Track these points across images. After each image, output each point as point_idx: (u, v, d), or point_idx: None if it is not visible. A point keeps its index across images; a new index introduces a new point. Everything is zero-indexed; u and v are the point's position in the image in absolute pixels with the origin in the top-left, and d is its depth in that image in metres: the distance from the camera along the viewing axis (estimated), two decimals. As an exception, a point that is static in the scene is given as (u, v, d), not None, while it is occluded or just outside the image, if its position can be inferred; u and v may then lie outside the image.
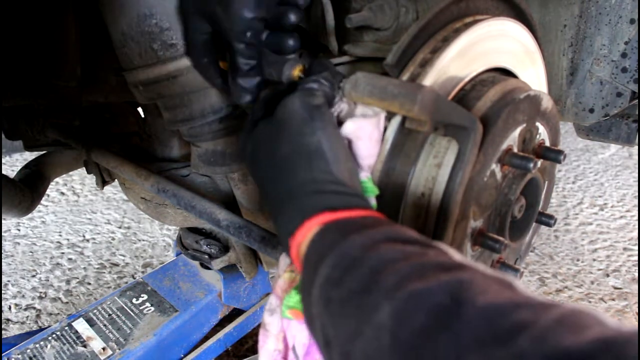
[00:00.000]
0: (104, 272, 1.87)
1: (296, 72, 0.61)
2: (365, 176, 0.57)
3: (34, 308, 1.70)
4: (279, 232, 0.53)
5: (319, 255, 0.45)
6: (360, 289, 0.39)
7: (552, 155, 0.70)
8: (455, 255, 0.41)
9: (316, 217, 0.48)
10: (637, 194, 2.38)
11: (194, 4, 0.62)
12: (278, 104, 0.54)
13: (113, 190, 2.42)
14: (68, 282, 1.82)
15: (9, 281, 1.82)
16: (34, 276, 1.85)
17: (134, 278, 1.82)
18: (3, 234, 2.10)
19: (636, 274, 1.82)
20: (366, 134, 0.56)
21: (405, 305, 0.35)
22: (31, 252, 2.00)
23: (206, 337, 1.28)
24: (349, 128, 0.55)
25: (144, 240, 2.07)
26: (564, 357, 0.26)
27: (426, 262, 0.38)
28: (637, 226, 2.12)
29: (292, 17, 0.60)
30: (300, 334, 0.57)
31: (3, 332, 1.58)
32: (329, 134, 0.51)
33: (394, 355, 0.34)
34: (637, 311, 1.64)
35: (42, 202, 1.44)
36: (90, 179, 2.47)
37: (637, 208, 2.26)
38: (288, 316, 0.57)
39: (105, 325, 1.20)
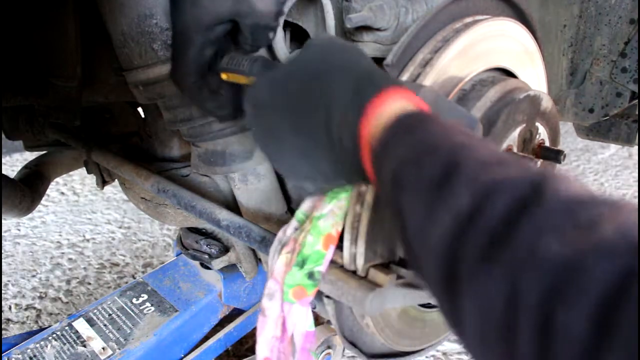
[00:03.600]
0: (104, 272, 1.87)
1: None
2: None
3: (34, 308, 1.70)
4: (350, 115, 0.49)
5: (396, 136, 0.44)
6: (439, 174, 0.38)
7: (552, 155, 0.70)
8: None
9: (392, 90, 0.47)
10: (637, 194, 2.38)
11: (203, 22, 0.61)
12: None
13: (113, 190, 2.42)
14: (68, 282, 1.82)
15: (9, 281, 1.82)
16: (34, 276, 1.85)
17: (134, 278, 1.82)
18: (3, 234, 2.11)
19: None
20: None
21: (485, 192, 0.34)
22: (31, 252, 2.00)
23: (206, 337, 1.28)
24: None
25: (144, 240, 2.07)
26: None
27: (506, 154, 0.37)
28: (637, 226, 2.12)
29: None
30: (301, 322, 0.57)
31: (3, 332, 1.59)
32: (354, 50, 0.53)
33: (473, 245, 0.33)
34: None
35: (42, 202, 1.44)
36: (91, 179, 2.47)
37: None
38: (290, 300, 0.57)
39: (105, 325, 1.20)
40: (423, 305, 0.77)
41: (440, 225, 0.36)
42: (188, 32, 0.64)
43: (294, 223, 0.64)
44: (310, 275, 0.59)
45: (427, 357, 1.42)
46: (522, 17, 0.74)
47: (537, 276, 0.27)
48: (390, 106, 0.46)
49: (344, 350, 1.28)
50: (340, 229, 0.61)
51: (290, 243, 0.61)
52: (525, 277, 0.28)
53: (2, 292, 1.76)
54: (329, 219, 0.60)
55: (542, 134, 0.72)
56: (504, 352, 0.29)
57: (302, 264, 0.59)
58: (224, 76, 0.66)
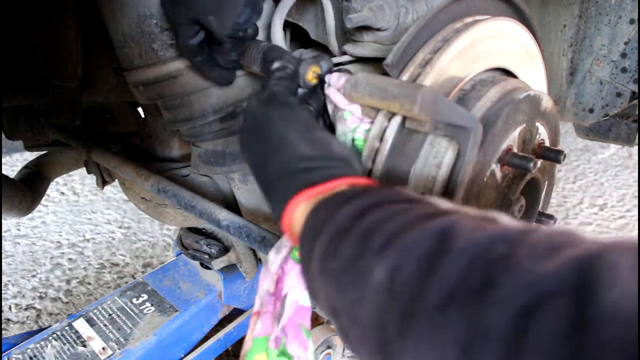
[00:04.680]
0: (104, 272, 1.87)
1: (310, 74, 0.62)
2: (361, 131, 0.60)
3: (34, 308, 1.70)
4: (273, 215, 0.56)
5: (314, 232, 0.46)
6: (354, 255, 0.40)
7: (552, 155, 0.70)
8: (443, 204, 0.43)
9: (298, 196, 0.50)
10: (637, 194, 2.38)
11: (185, 15, 0.66)
12: None
13: (113, 190, 2.42)
14: (68, 282, 1.82)
15: (9, 281, 1.82)
16: (34, 276, 1.85)
17: (134, 278, 1.82)
18: (3, 234, 2.11)
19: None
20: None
21: (395, 260, 0.36)
22: (31, 252, 2.00)
23: (206, 337, 1.28)
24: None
25: (144, 240, 2.07)
26: (543, 281, 0.27)
27: (413, 216, 0.39)
28: (637, 226, 2.12)
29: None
30: (295, 289, 0.56)
31: (3, 332, 1.59)
32: (287, 118, 0.55)
33: (393, 312, 0.35)
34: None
35: (42, 202, 1.44)
36: (91, 179, 2.47)
37: (637, 208, 2.26)
38: (297, 258, 0.56)
39: (105, 325, 1.20)
40: None
41: (366, 303, 0.38)
42: (173, 22, 0.69)
43: None
44: None
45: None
46: (522, 17, 0.74)
47: (451, 336, 0.30)
48: (298, 213, 0.50)
49: (344, 350, 1.28)
50: None
51: None
52: (443, 340, 0.30)
53: (2, 292, 1.76)
54: None
55: (542, 134, 0.71)
56: None
57: None
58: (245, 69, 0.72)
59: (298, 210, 0.50)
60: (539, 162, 0.72)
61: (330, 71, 0.63)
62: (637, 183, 2.48)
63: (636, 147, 1.29)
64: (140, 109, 1.32)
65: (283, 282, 0.56)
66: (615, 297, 0.24)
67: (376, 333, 0.37)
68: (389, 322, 0.35)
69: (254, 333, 0.57)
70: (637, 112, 1.21)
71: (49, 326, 1.22)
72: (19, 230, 2.15)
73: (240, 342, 1.40)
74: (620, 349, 0.22)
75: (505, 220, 0.37)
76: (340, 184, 0.50)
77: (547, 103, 0.70)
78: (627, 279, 0.24)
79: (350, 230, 0.42)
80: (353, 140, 0.61)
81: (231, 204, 0.99)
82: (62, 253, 1.99)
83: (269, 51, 0.65)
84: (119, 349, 1.13)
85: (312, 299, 0.52)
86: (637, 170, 2.60)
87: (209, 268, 1.28)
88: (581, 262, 0.27)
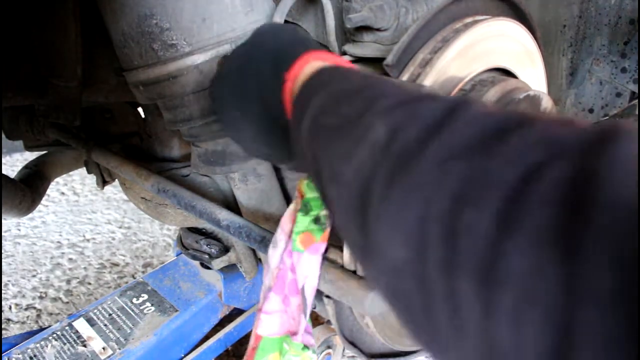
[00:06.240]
0: (105, 272, 1.87)
1: None
2: None
3: (35, 308, 1.70)
4: (268, 90, 0.56)
5: (313, 89, 0.46)
6: (356, 114, 0.38)
7: (552, 155, 0.70)
8: None
9: (308, 54, 0.52)
10: (637, 193, 2.37)
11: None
12: None
13: (113, 190, 2.42)
14: (68, 281, 1.82)
15: (9, 281, 1.82)
16: (34, 276, 1.85)
17: (134, 278, 1.82)
18: (3, 234, 2.11)
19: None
20: None
21: (400, 121, 0.34)
22: (31, 252, 2.01)
23: (206, 337, 1.28)
24: None
25: (144, 240, 2.07)
26: (560, 141, 0.25)
27: (425, 92, 0.38)
28: (637, 226, 2.12)
29: None
30: (312, 275, 0.55)
31: (3, 331, 1.59)
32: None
33: (383, 170, 0.32)
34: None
35: (43, 202, 1.44)
36: (91, 179, 2.47)
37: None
38: (299, 248, 0.56)
39: (105, 325, 1.20)
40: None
41: (356, 160, 0.35)
42: None
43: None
44: (317, 220, 0.58)
45: (427, 356, 1.42)
46: (522, 17, 0.74)
47: (444, 188, 0.27)
48: (306, 69, 0.51)
49: (344, 350, 1.28)
50: None
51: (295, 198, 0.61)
52: (434, 192, 0.28)
53: (3, 292, 1.76)
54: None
55: (542, 134, 0.72)
56: (417, 270, 0.28)
57: (306, 210, 0.58)
58: None
59: (304, 69, 0.51)
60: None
61: None
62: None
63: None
64: (140, 109, 1.32)
65: (296, 275, 0.57)
66: (634, 147, 0.22)
67: (358, 190, 0.35)
68: (374, 182, 0.33)
69: (261, 331, 0.58)
70: (637, 112, 1.21)
71: (49, 326, 1.22)
72: (19, 230, 2.15)
73: (240, 342, 1.40)
74: (623, 204, 0.20)
75: None
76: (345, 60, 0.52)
77: (547, 103, 0.70)
78: None
79: (356, 92, 0.41)
80: None
81: (231, 204, 0.99)
82: (63, 253, 1.99)
83: None
84: (119, 349, 1.13)
85: (297, 164, 0.53)
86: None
87: (209, 268, 1.28)
88: (602, 126, 0.25)
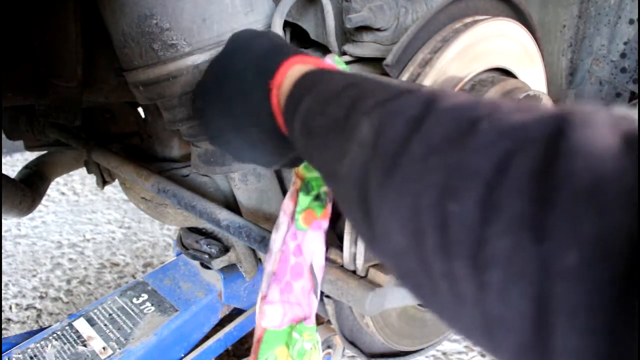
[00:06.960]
0: (105, 272, 1.87)
1: None
2: None
3: (35, 308, 1.70)
4: (253, 98, 0.56)
5: (300, 93, 0.48)
6: (343, 115, 0.42)
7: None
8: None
9: (290, 59, 0.53)
10: (637, 193, 2.37)
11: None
12: None
13: (113, 190, 2.42)
14: (69, 281, 1.82)
15: (9, 281, 1.83)
16: (34, 276, 1.86)
17: (135, 278, 1.82)
18: (3, 233, 2.11)
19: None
20: None
21: (383, 119, 0.37)
22: (32, 251, 2.01)
23: (206, 337, 1.28)
24: None
25: (144, 240, 2.07)
26: (525, 128, 0.28)
27: (403, 88, 0.41)
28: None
29: None
30: (318, 252, 0.56)
31: (4, 331, 1.59)
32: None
33: (376, 167, 0.36)
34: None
35: (43, 202, 1.44)
36: (91, 179, 2.47)
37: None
38: (302, 227, 0.57)
39: (105, 325, 1.20)
40: (423, 305, 0.78)
41: (349, 157, 0.39)
42: None
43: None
44: (317, 197, 0.60)
45: (427, 356, 1.42)
46: (521, 18, 0.74)
47: (430, 182, 0.31)
48: (289, 75, 0.52)
49: (344, 350, 1.28)
50: None
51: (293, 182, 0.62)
52: (422, 186, 0.31)
53: (3, 292, 1.76)
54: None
55: (542, 134, 0.72)
56: (417, 254, 0.32)
57: (307, 190, 0.60)
58: None
59: (291, 76, 0.52)
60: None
61: None
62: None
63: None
64: (140, 109, 1.33)
65: (302, 255, 0.58)
66: (589, 134, 0.25)
67: (356, 186, 0.38)
68: (370, 175, 0.36)
69: (265, 323, 0.58)
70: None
71: (50, 326, 1.22)
72: (19, 230, 2.15)
73: (240, 342, 1.40)
74: (588, 178, 0.23)
75: None
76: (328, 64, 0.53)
77: (546, 103, 0.70)
78: (602, 120, 0.25)
79: (341, 93, 0.44)
80: None
81: (231, 204, 0.99)
82: (63, 253, 1.99)
83: None
84: (119, 349, 1.13)
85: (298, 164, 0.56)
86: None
87: (209, 268, 1.28)
88: (561, 111, 0.28)
